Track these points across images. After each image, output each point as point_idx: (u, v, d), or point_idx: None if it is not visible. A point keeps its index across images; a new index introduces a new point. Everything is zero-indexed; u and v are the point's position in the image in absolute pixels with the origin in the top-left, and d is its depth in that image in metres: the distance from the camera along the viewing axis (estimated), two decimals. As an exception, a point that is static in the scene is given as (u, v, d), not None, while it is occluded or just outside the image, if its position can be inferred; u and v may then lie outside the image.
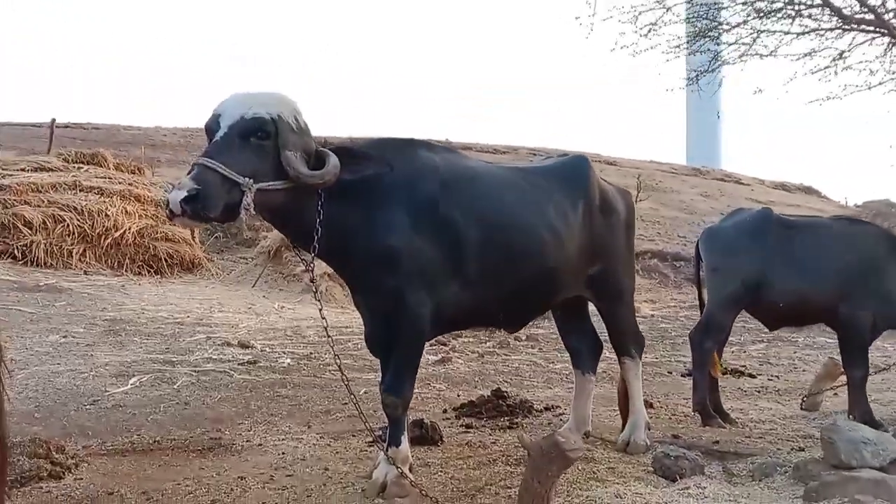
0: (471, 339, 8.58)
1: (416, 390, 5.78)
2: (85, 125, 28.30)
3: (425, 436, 4.34)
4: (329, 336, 3.51)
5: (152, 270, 12.77)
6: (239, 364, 6.58)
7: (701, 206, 25.90)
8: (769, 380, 7.39)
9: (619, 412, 4.72)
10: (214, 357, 6.80)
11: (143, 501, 3.34)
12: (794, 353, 9.46)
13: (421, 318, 3.45)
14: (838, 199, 34.99)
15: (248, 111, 3.07)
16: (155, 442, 4.37)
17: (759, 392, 6.62)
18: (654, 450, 4.25)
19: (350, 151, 3.31)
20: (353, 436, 4.63)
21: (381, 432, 4.44)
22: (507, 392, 5.60)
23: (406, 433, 3.58)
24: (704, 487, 3.33)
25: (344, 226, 3.32)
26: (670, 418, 5.29)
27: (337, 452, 4.22)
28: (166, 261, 12.96)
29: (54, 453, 3.73)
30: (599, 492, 3.24)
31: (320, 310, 3.44)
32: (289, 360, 6.96)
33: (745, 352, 9.89)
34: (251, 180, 2.99)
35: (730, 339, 11.21)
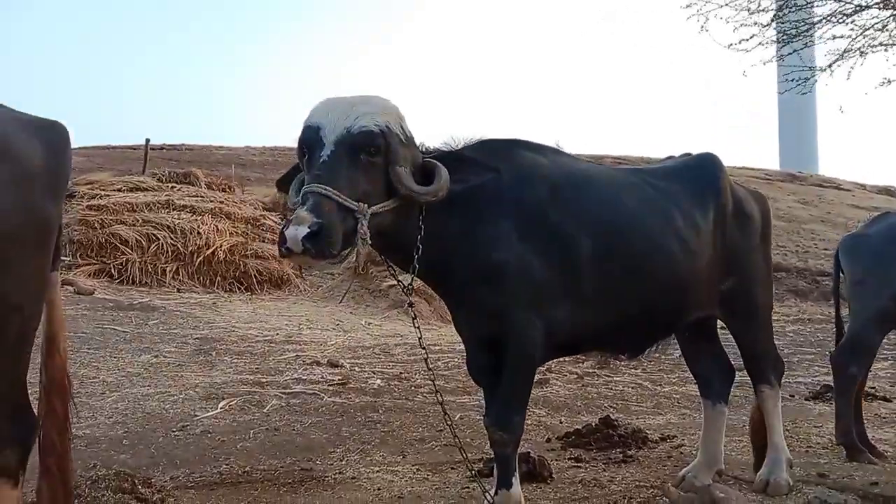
0: (567, 359, 8.09)
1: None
2: (179, 146, 29.28)
3: (533, 472, 3.92)
4: (430, 369, 3.14)
5: (243, 287, 12.84)
6: (329, 385, 6.33)
7: (800, 214, 24.52)
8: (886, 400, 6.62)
9: (750, 445, 4.18)
10: (304, 377, 6.58)
11: (231, 545, 3.06)
12: (934, 371, 8.53)
13: (531, 341, 3.04)
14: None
15: (353, 123, 2.68)
16: (244, 473, 4.11)
17: (903, 418, 5.88)
18: (799, 491, 3.71)
19: (456, 158, 2.94)
20: (452, 468, 4.26)
21: (484, 466, 4.07)
22: (616, 420, 5.11)
23: (517, 473, 3.17)
24: (880, 546, 2.77)
25: (444, 240, 2.96)
26: (806, 451, 4.69)
27: (437, 488, 3.85)
28: (256, 277, 13.01)
29: (140, 487, 3.50)
30: (755, 551, 2.74)
31: (419, 339, 3.09)
32: (379, 381, 6.67)
33: (871, 371, 9.02)
34: (365, 205, 2.65)
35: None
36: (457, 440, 3.10)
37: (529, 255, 3.00)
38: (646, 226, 3.27)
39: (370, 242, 2.65)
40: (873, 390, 6.99)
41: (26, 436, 2.29)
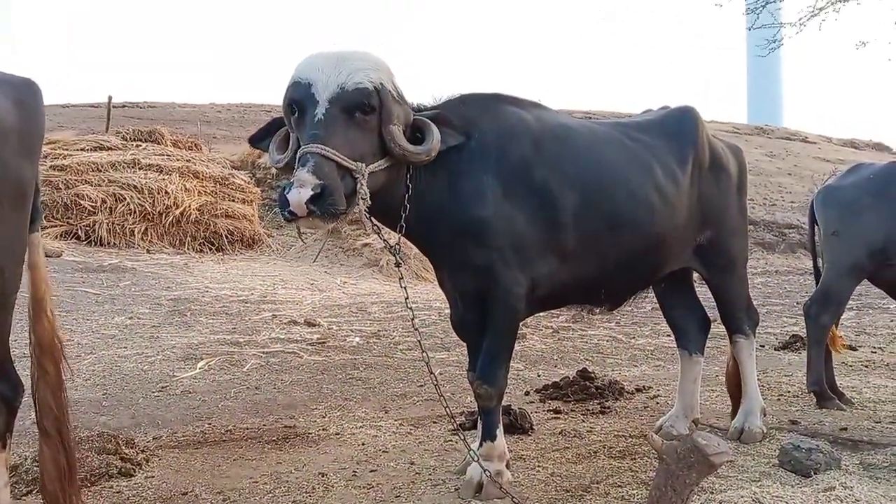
0: (543, 314, 8.17)
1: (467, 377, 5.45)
2: (140, 104, 28.61)
3: (514, 424, 3.98)
4: (416, 330, 3.11)
5: (213, 248, 12.72)
6: (308, 344, 6.33)
7: (767, 167, 24.90)
8: (872, 352, 6.81)
9: (727, 395, 4.29)
10: (282, 337, 6.57)
11: (219, 502, 3.07)
12: (891, 321, 8.78)
13: (515, 297, 3.06)
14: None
15: (347, 80, 2.61)
16: (227, 431, 4.11)
17: (866, 367, 6.06)
18: (772, 437, 3.83)
19: (437, 118, 2.90)
20: (434, 422, 4.31)
21: (465, 420, 4.12)
22: (592, 372, 5.20)
23: (501, 426, 3.22)
24: (851, 487, 2.88)
25: (430, 197, 2.95)
26: (778, 399, 4.82)
27: (420, 442, 3.89)
28: (227, 238, 12.88)
29: (124, 448, 3.49)
30: (732, 494, 2.83)
31: (406, 298, 3.07)
32: (357, 339, 6.69)
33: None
34: (363, 165, 2.61)
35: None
36: (441, 397, 3.12)
37: (513, 210, 3.00)
38: (627, 180, 3.29)
39: (369, 203, 2.62)
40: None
41: (11, 398, 2.26)
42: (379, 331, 7.17)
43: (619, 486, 3.13)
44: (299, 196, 2.42)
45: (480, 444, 3.16)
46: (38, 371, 2.40)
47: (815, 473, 3.14)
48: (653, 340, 7.25)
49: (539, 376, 5.65)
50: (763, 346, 6.93)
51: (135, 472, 3.36)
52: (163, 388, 4.92)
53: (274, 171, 17.45)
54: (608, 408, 4.58)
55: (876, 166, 4.62)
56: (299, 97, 2.65)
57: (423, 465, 3.48)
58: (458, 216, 2.95)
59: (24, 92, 2.37)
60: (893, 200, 4.29)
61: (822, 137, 36.66)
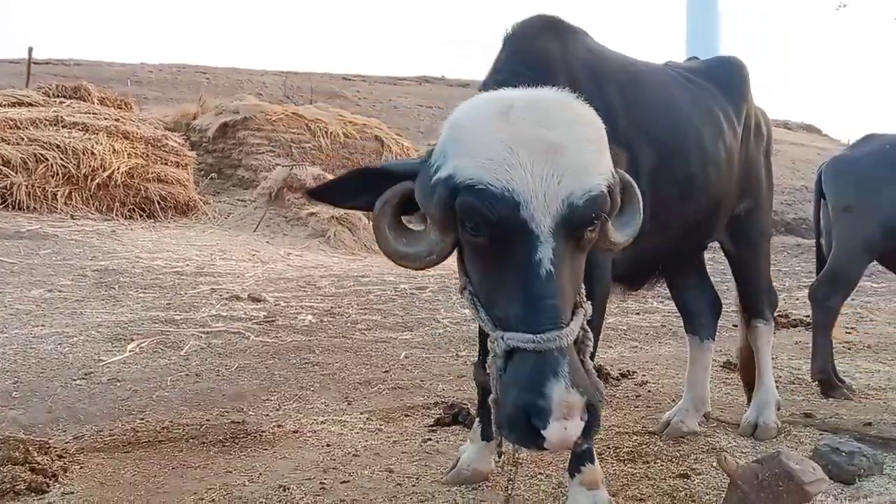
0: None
1: (437, 360, 4.92)
2: (66, 61, 26.87)
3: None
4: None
5: (144, 214, 11.84)
6: (254, 323, 5.69)
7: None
8: (847, 333, 6.56)
9: (724, 384, 3.90)
10: (224, 314, 5.91)
11: (156, 527, 2.48)
12: (853, 300, 8.63)
13: (608, 276, 2.51)
14: (840, 136, 34.67)
15: (575, 190, 1.61)
16: (163, 429, 3.49)
17: (848, 350, 5.79)
18: (788, 433, 3.45)
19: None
20: (406, 416, 3.79)
21: (443, 414, 3.62)
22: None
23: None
24: (911, 501, 2.48)
25: None
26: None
27: (395, 442, 3.35)
28: (159, 203, 12.01)
29: (35, 455, 2.85)
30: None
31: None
32: (310, 317, 6.07)
33: (796, 299, 9.09)
34: (589, 304, 1.77)
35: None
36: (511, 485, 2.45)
37: None
38: (699, 134, 2.80)
39: None
40: (808, 318, 6.96)
41: None
42: (332, 308, 6.57)
43: (639, 498, 2.66)
44: (567, 434, 1.50)
45: (578, 469, 2.44)
46: None
47: (857, 480, 2.74)
48: (622, 319, 6.87)
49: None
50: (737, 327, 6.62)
51: (49, 486, 2.73)
52: (86, 374, 4.24)
53: (210, 134, 16.35)
54: (596, 398, 4.12)
55: (892, 136, 4.24)
56: (498, 220, 1.60)
57: (403, 474, 2.93)
58: None
59: None
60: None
61: (780, 122, 37.31)
